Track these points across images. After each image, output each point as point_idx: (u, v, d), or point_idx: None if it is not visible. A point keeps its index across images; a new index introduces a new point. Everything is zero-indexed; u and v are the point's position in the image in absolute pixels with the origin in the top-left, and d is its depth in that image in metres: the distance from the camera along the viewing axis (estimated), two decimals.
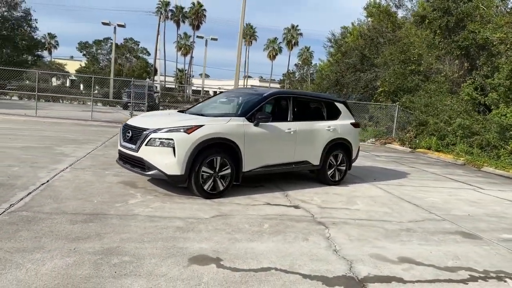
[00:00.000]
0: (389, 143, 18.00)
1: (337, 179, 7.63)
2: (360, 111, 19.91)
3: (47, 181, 5.98)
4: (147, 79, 40.58)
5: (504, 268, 4.22)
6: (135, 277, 3.24)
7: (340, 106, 7.85)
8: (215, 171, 5.80)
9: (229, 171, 5.94)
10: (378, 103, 20.54)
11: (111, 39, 65.58)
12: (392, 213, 6.00)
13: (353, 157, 7.92)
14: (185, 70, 71.46)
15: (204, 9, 65.60)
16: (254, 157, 6.26)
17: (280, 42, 71.52)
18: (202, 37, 49.94)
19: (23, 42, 33.93)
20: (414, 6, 23.11)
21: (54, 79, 48.37)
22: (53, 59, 68.02)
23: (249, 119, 6.21)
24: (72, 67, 64.64)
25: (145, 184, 6.32)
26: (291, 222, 5.07)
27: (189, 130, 5.60)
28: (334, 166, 7.54)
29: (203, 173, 5.68)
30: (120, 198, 5.42)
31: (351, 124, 7.86)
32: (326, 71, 28.21)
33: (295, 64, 74.73)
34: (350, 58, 24.50)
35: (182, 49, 69.70)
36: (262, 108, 6.57)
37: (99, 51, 66.09)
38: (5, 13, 32.83)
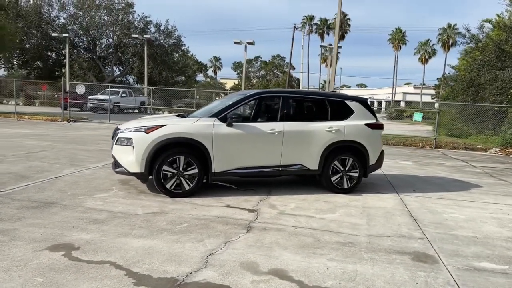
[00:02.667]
0: None
1: (345, 186, 6.80)
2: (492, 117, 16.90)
3: (61, 176, 6.98)
4: None
5: None
6: None
7: (353, 104, 7.00)
8: (178, 170, 5.90)
9: (195, 171, 5.97)
10: None
11: (261, 57, 70.68)
12: (362, 225, 5.11)
13: (370, 163, 6.93)
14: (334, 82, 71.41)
15: (349, 19, 64.73)
16: (227, 158, 6.13)
17: (433, 44, 65.39)
18: (340, 47, 49.20)
19: (177, 65, 39.26)
20: None
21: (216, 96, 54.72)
22: (219, 78, 77.30)
23: (222, 120, 6.13)
24: (230, 85, 71.99)
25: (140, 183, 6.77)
26: (216, 224, 4.83)
27: (148, 130, 5.87)
28: (341, 172, 6.75)
29: (165, 172, 5.85)
30: (94, 192, 5.99)
31: (367, 125, 6.92)
32: (462, 72, 24.74)
33: (452, 66, 67.10)
34: (486, 54, 21.00)
35: (327, 60, 70.01)
36: (237, 108, 6.39)
37: (249, 69, 71.35)
38: (162, 41, 38.56)
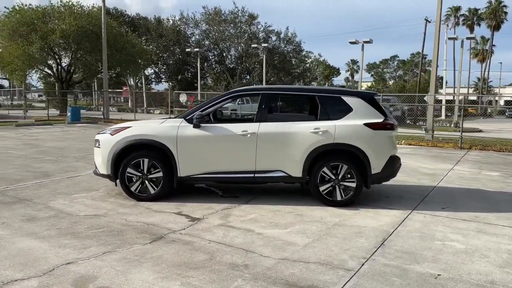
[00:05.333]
0: None
1: (338, 198, 5.67)
2: None
3: (77, 175, 7.54)
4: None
5: None
6: None
7: (352, 101, 5.82)
8: (143, 173, 5.77)
9: (160, 174, 5.75)
10: None
11: (398, 57, 66.01)
12: (298, 246, 4.16)
13: (373, 171, 5.65)
14: (488, 79, 62.57)
15: (505, 5, 55.77)
16: (194, 162, 5.74)
17: None
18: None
19: (297, 71, 39.40)
20: None
21: None
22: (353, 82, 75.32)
23: (189, 121, 5.77)
24: (364, 88, 69.33)
25: None
26: (132, 232, 4.52)
27: (114, 131, 5.88)
28: (332, 181, 5.67)
29: (129, 175, 5.78)
30: (78, 192, 6.28)
31: (367, 125, 5.67)
32: None
33: None
34: None
35: (479, 55, 61.47)
36: (210, 108, 5.91)
37: (384, 69, 67.29)
38: (283, 48, 39.14)
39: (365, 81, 70.60)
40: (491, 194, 6.77)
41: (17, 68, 24.14)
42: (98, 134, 6.12)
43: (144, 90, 43.57)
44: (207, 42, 41.56)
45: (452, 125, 25.83)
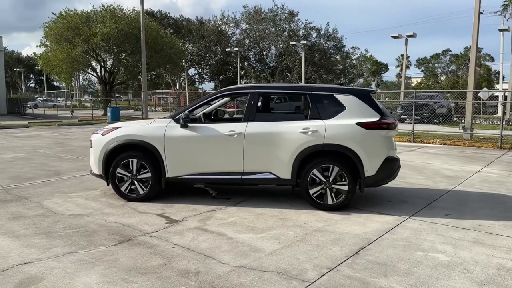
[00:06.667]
0: None
1: (329, 202, 5.36)
2: None
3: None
4: (484, 89, 36.34)
5: None
6: None
7: (345, 99, 5.47)
8: (132, 174, 5.78)
9: (148, 175, 5.73)
10: None
11: (450, 50, 62.61)
12: (264, 251, 3.95)
13: (366, 174, 5.28)
14: None
15: None
16: (182, 162, 5.66)
17: None
18: None
19: (338, 67, 38.50)
20: None
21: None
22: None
23: (177, 121, 5.70)
24: (414, 83, 66.50)
25: None
26: (103, 233, 4.51)
27: (105, 132, 5.93)
28: (323, 183, 5.37)
29: (119, 175, 5.81)
30: (77, 191, 6.42)
31: (360, 124, 5.30)
32: None
33: None
34: None
35: None
36: (199, 108, 5.81)
37: (436, 64, 64.04)
38: (324, 44, 38.40)
39: (415, 77, 67.79)
40: (506, 199, 6.13)
41: (63, 71, 25.45)
42: (93, 134, 6.21)
43: (186, 90, 44.48)
44: (247, 41, 41.72)
45: (504, 123, 24.04)
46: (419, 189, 6.79)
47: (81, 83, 62.30)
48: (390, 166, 5.44)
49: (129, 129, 5.87)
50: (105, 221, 4.92)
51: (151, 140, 5.67)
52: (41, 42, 26.88)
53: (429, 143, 14.02)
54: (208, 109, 6.51)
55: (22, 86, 63.47)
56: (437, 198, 6.19)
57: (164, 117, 6.15)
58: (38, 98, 47.17)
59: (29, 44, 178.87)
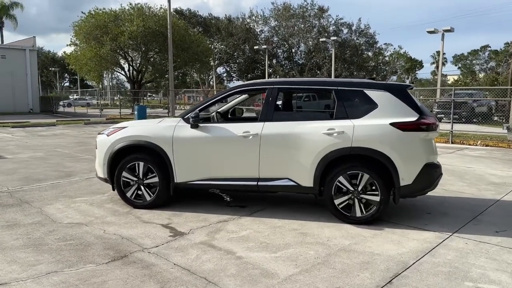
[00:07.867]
0: None
1: (357, 215, 4.65)
2: None
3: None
4: None
5: None
6: None
7: (377, 95, 4.73)
8: (138, 178, 5.26)
9: (156, 179, 5.20)
10: None
11: (490, 46, 59.56)
12: (279, 276, 3.33)
13: (402, 183, 4.52)
14: None
15: None
16: (191, 166, 5.10)
17: None
18: None
19: (370, 63, 37.17)
20: None
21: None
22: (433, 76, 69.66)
23: (187, 120, 5.14)
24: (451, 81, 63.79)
25: None
26: (97, 248, 4.00)
27: (110, 132, 5.45)
28: (351, 193, 4.67)
29: (125, 179, 5.31)
30: (83, 195, 6.00)
31: (394, 124, 4.56)
32: None
33: None
34: None
35: None
36: (211, 105, 5.22)
37: (474, 61, 61.07)
38: (355, 40, 37.15)
39: (451, 74, 65.05)
40: None
41: (91, 70, 25.60)
42: (98, 134, 5.75)
43: (215, 88, 44.24)
44: (276, 39, 40.95)
45: None
46: (461, 199, 5.96)
47: (111, 82, 63.38)
48: (430, 174, 4.66)
49: (135, 129, 5.35)
50: (103, 232, 4.41)
51: (158, 142, 5.13)
52: (70, 41, 27.21)
53: (470, 144, 12.94)
54: (224, 107, 5.94)
55: (57, 85, 65.22)
56: (483, 210, 5.36)
57: (175, 116, 5.60)
58: (71, 97, 48.20)
59: (65, 45, 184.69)
